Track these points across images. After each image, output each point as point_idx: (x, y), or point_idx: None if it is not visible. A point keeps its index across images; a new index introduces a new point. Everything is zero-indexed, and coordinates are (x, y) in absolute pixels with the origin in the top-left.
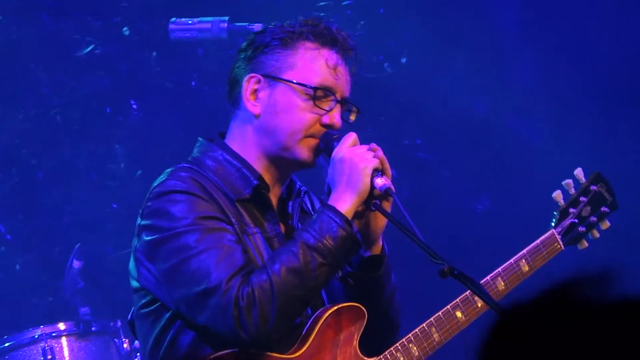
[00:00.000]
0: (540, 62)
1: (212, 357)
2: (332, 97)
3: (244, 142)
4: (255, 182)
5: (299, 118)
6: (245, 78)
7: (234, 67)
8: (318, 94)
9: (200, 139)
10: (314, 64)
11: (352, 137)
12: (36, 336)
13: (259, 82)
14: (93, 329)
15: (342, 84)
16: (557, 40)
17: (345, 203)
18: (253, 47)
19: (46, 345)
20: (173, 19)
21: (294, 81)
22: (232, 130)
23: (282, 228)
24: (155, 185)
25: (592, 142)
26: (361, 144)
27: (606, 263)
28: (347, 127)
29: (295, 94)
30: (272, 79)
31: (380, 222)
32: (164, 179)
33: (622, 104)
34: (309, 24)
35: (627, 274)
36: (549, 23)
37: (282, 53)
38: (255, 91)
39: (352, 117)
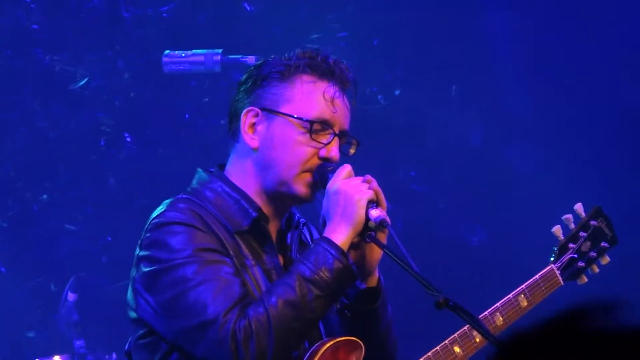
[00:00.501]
0: (534, 92)
1: None
2: (330, 131)
3: (243, 175)
4: (254, 214)
5: (296, 152)
6: (244, 112)
7: (233, 99)
8: (315, 127)
9: (199, 170)
10: (311, 97)
11: (346, 169)
12: None
13: (256, 115)
14: None
15: (339, 116)
16: (551, 70)
17: (341, 235)
18: (252, 80)
19: None
20: (167, 52)
21: (291, 115)
22: (232, 162)
23: (281, 260)
24: (154, 216)
25: (589, 173)
26: (356, 175)
27: (611, 294)
28: (342, 159)
29: (292, 127)
30: (270, 112)
31: (375, 253)
32: (162, 210)
33: (618, 134)
34: (307, 56)
35: (633, 304)
36: (543, 54)
37: (279, 86)
38: (254, 124)
39: (352, 150)
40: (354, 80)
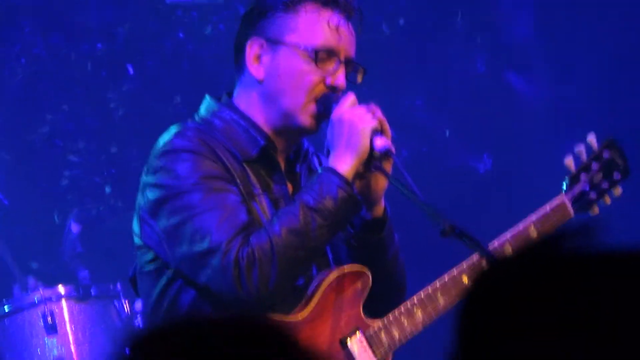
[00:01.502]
0: (540, 18)
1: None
2: (336, 59)
3: (250, 107)
4: (262, 142)
5: (302, 81)
6: (248, 43)
7: (238, 32)
8: (320, 55)
9: (207, 97)
10: (315, 25)
11: (350, 97)
12: (36, 300)
13: (261, 46)
14: (93, 292)
15: (345, 44)
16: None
17: (345, 164)
18: (256, 12)
19: (46, 308)
20: None
21: (296, 44)
22: (238, 94)
23: (290, 189)
24: (161, 142)
25: (596, 99)
26: (360, 104)
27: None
28: (348, 87)
29: (297, 56)
30: (274, 42)
31: (381, 183)
32: (170, 137)
33: (624, 58)
34: None
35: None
36: None
37: (283, 16)
38: (259, 56)
39: (359, 78)
40: (358, 7)
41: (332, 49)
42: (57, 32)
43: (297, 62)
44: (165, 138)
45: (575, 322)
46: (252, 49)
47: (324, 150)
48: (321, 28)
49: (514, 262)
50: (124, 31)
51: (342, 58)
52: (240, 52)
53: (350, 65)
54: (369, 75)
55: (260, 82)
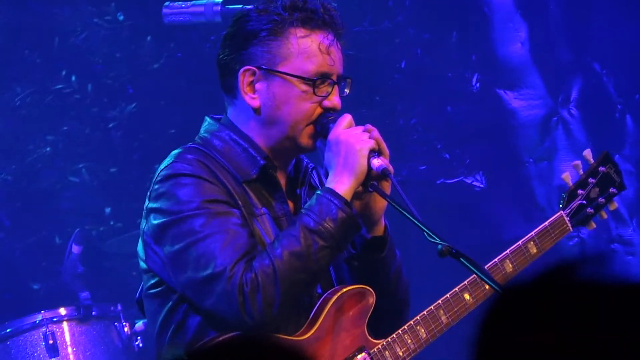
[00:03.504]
0: (533, 35)
1: (218, 339)
2: (329, 81)
3: (247, 128)
4: (262, 161)
5: (300, 109)
6: (241, 71)
7: (222, 53)
8: (317, 82)
9: (207, 118)
10: (308, 51)
11: (347, 118)
12: (37, 321)
13: (254, 74)
14: (94, 313)
15: (336, 64)
16: (549, 16)
17: (343, 185)
18: (242, 37)
19: (47, 330)
20: (167, 3)
21: (292, 74)
22: (234, 115)
23: (291, 207)
24: (162, 167)
25: (591, 117)
26: (356, 125)
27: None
28: (344, 107)
29: (293, 85)
30: (268, 71)
31: (379, 203)
32: (170, 161)
33: (616, 75)
34: (295, 7)
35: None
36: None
37: (273, 44)
38: (252, 84)
39: (347, 90)
40: (342, 23)
41: (327, 72)
42: (56, 53)
43: (294, 91)
44: (166, 162)
45: (585, 350)
46: (245, 78)
47: (322, 170)
48: (314, 54)
49: (528, 289)
50: (123, 52)
51: (335, 78)
52: (228, 76)
53: (340, 80)
54: (365, 95)
55: (256, 109)
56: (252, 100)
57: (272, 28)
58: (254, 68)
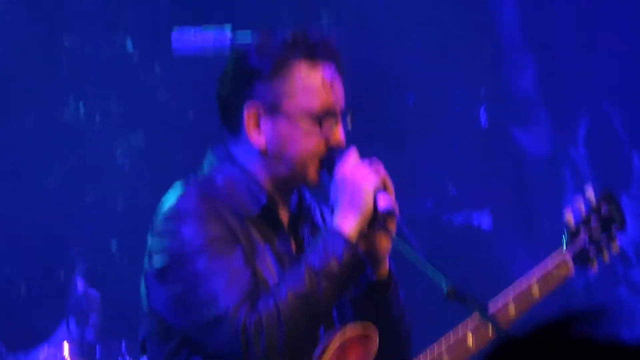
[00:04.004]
0: (542, 72)
1: None
2: (333, 115)
3: (250, 163)
4: (264, 200)
5: (306, 146)
6: (245, 109)
7: (224, 88)
8: (322, 119)
9: (209, 152)
10: (312, 88)
11: (353, 154)
12: (41, 357)
13: (258, 112)
14: (98, 351)
15: (339, 97)
16: (561, 50)
17: (349, 224)
18: (245, 73)
19: None
20: (176, 30)
21: (296, 110)
22: (237, 150)
23: (293, 244)
24: (165, 205)
25: (598, 155)
26: (362, 160)
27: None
28: (352, 141)
29: (298, 122)
30: (272, 109)
31: (384, 243)
32: (172, 198)
33: (625, 113)
34: (297, 41)
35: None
36: (553, 33)
37: (276, 81)
38: (257, 122)
39: (350, 122)
40: (341, 55)
41: (330, 108)
42: (64, 82)
43: (299, 128)
44: (168, 200)
45: None
46: (250, 116)
47: (328, 208)
48: (318, 89)
49: (525, 343)
50: (131, 81)
51: (339, 112)
52: (232, 112)
53: (344, 114)
54: (373, 130)
55: (261, 147)
56: (258, 137)
57: (275, 65)
58: (257, 105)
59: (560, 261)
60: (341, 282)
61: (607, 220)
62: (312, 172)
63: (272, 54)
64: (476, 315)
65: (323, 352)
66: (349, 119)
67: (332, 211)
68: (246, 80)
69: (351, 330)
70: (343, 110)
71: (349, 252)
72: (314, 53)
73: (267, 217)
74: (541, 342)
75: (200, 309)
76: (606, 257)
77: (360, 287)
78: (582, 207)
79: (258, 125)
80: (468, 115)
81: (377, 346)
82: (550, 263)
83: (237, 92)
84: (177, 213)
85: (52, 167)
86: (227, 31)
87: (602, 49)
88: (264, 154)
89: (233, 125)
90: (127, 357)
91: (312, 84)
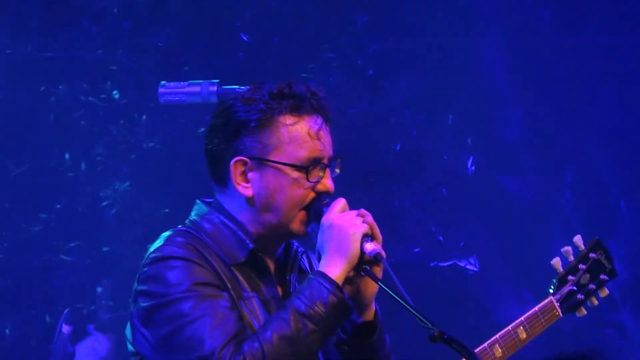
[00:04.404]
0: (530, 119)
1: None
2: (321, 165)
3: (239, 213)
4: (250, 245)
5: (294, 196)
6: (232, 162)
7: (211, 144)
8: (309, 169)
9: (198, 201)
10: (298, 139)
11: (340, 202)
12: None
13: (246, 164)
14: None
15: (326, 146)
16: (546, 98)
17: (336, 269)
18: (232, 127)
19: None
20: (162, 83)
21: (283, 162)
22: (226, 200)
23: (280, 290)
24: (151, 250)
25: (586, 203)
26: (350, 209)
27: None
28: (339, 189)
29: (285, 173)
30: (260, 161)
31: (371, 287)
32: (160, 244)
33: (616, 161)
34: (282, 95)
35: None
36: (538, 82)
37: (263, 134)
38: (244, 173)
39: (338, 170)
40: (329, 106)
41: (318, 157)
42: (50, 131)
43: (286, 179)
44: (155, 245)
45: None
46: (237, 168)
47: (315, 254)
48: (305, 140)
49: None
50: (118, 130)
51: (326, 161)
52: (219, 166)
53: (331, 162)
54: (360, 177)
55: (248, 198)
56: (245, 189)
57: (261, 118)
58: (245, 159)
59: (547, 305)
60: (327, 326)
61: (596, 267)
62: (298, 222)
63: (258, 109)
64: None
65: None
66: (337, 168)
67: (319, 257)
68: (233, 135)
69: None
70: (331, 158)
71: (335, 296)
72: (299, 106)
73: (253, 263)
74: None
75: (185, 350)
76: (595, 302)
77: (346, 331)
78: (570, 254)
79: (246, 179)
80: (456, 161)
81: None
82: (537, 307)
83: (223, 147)
84: (163, 256)
85: (38, 214)
86: (215, 84)
87: (590, 96)
88: (252, 205)
89: (221, 178)
90: None
91: (298, 134)
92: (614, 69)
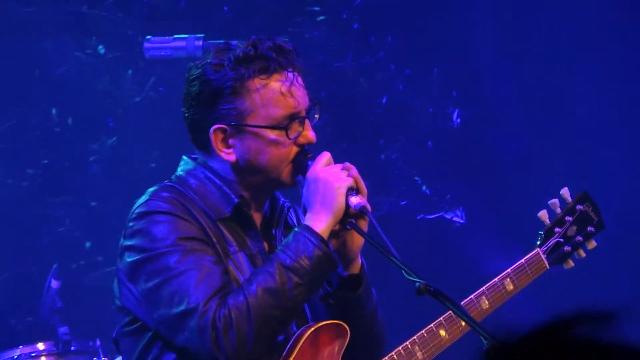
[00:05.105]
0: (515, 71)
1: None
2: (299, 119)
3: (224, 170)
4: (235, 200)
5: (277, 154)
6: (212, 131)
7: (189, 112)
8: (287, 125)
9: (184, 157)
10: (272, 100)
11: (325, 156)
12: (15, 357)
13: (225, 132)
14: (72, 348)
15: (301, 99)
16: (532, 52)
17: (321, 222)
18: (206, 95)
19: None
20: (148, 37)
21: (261, 125)
22: (211, 160)
23: (266, 245)
24: (137, 205)
25: (572, 157)
26: (335, 163)
27: (603, 304)
28: (325, 143)
29: (266, 134)
30: (238, 127)
31: (357, 240)
32: (145, 199)
33: (599, 111)
34: (249, 58)
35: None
36: (524, 37)
37: (237, 101)
38: (224, 139)
39: (317, 116)
40: (298, 57)
41: (294, 112)
42: (36, 86)
43: (267, 140)
44: (141, 200)
45: None
46: (217, 136)
47: (301, 208)
48: (278, 100)
49: (519, 346)
50: (104, 85)
51: (304, 113)
52: (200, 133)
53: (308, 112)
54: (346, 130)
55: (233, 162)
56: (228, 155)
57: (232, 86)
58: (224, 126)
59: (533, 256)
60: (312, 279)
61: (583, 219)
62: (285, 175)
63: (228, 76)
64: (449, 310)
65: (295, 342)
66: (317, 113)
67: (304, 211)
68: (208, 103)
69: (324, 325)
70: (308, 107)
71: (320, 249)
72: (267, 67)
73: (239, 217)
74: (537, 344)
75: (170, 303)
76: (582, 254)
77: (332, 284)
78: (557, 206)
79: (227, 144)
80: (442, 115)
81: (349, 339)
82: (524, 259)
83: (201, 116)
84: (148, 211)
85: (25, 170)
86: (201, 39)
87: (578, 48)
88: (237, 168)
89: (203, 146)
90: (102, 355)
91: (271, 95)
92: (604, 19)
